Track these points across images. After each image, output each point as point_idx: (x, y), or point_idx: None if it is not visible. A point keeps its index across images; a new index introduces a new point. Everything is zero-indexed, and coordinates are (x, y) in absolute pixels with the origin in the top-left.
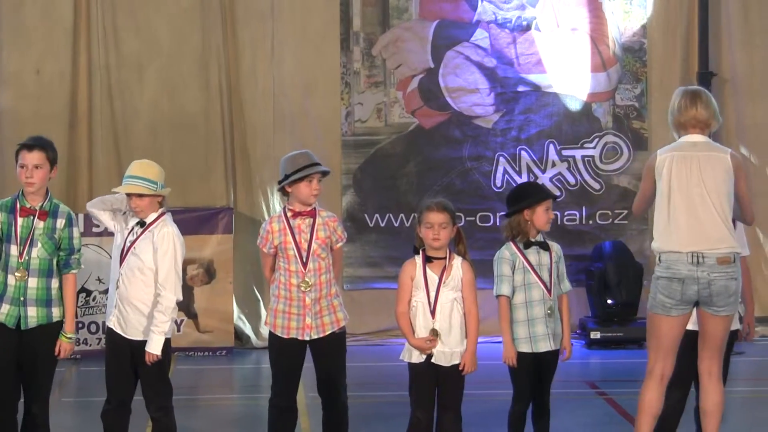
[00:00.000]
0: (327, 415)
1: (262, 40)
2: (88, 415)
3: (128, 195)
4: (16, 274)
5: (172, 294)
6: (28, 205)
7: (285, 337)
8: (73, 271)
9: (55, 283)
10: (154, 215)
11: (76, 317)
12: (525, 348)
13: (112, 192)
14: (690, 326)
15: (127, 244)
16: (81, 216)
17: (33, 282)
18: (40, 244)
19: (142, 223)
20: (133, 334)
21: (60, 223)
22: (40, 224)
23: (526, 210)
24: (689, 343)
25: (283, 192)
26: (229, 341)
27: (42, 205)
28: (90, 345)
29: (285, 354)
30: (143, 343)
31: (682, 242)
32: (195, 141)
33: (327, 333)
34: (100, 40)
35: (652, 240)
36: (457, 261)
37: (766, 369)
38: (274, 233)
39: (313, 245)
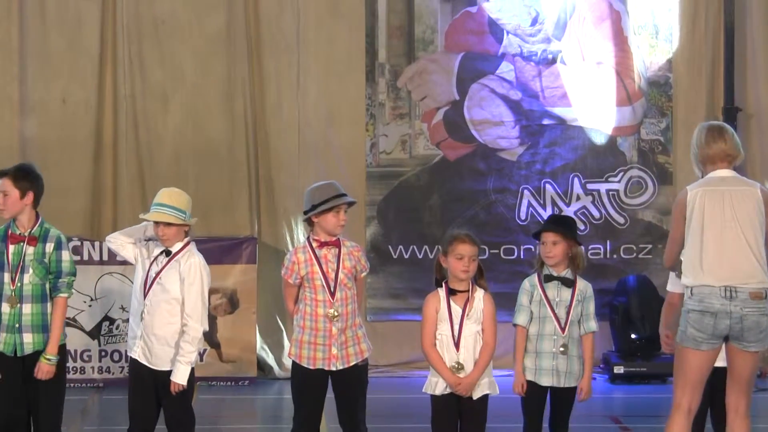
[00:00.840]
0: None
1: (287, 70)
2: None
3: (156, 223)
4: (11, 302)
5: (199, 324)
6: (18, 232)
7: (311, 368)
8: (62, 295)
9: (50, 309)
10: (179, 244)
11: (99, 345)
12: (529, 377)
13: (140, 219)
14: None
15: (152, 274)
16: (105, 245)
17: (27, 308)
18: (31, 270)
19: (167, 252)
20: (158, 365)
21: (49, 247)
22: (30, 250)
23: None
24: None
25: (309, 222)
26: (252, 371)
27: (31, 230)
28: (113, 373)
29: (309, 385)
30: (168, 373)
31: (716, 276)
32: (219, 171)
33: (352, 364)
34: (126, 70)
35: (681, 275)
36: (480, 293)
37: None
38: (300, 264)
39: (340, 275)
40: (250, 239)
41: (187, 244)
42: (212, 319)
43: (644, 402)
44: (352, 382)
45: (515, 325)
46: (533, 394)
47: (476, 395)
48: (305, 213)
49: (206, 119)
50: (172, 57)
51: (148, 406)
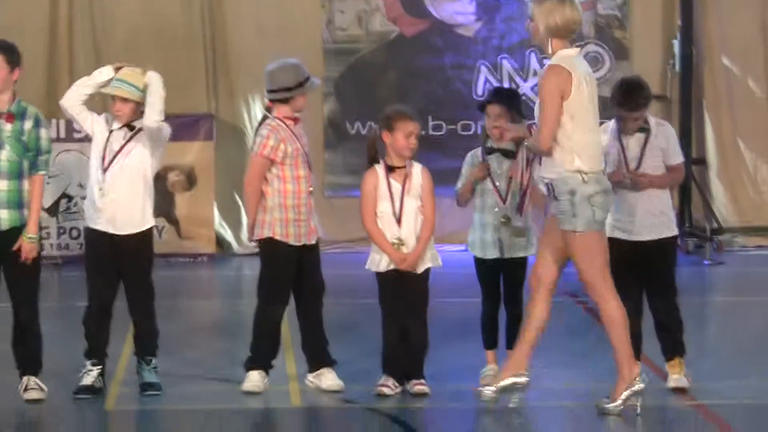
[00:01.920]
0: (308, 318)
1: None
2: (70, 321)
3: (113, 99)
4: None
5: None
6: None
7: (297, 244)
8: (41, 172)
9: (26, 186)
10: (140, 121)
11: (58, 222)
12: (478, 253)
13: (103, 91)
14: (623, 235)
15: (113, 148)
16: (62, 122)
17: (3, 184)
18: (8, 147)
19: (131, 127)
20: (124, 229)
21: (27, 124)
22: (7, 126)
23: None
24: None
25: (281, 101)
26: (211, 248)
27: (9, 108)
28: (71, 250)
29: (292, 263)
30: (133, 236)
31: (602, 160)
32: (176, 49)
33: (319, 234)
34: None
35: (570, 161)
36: (417, 168)
37: (745, 278)
38: (285, 142)
39: (306, 150)
40: (206, 116)
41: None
42: (170, 196)
43: None
44: (317, 254)
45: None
46: (483, 267)
47: (420, 269)
48: (272, 92)
49: None
50: None
51: (109, 280)
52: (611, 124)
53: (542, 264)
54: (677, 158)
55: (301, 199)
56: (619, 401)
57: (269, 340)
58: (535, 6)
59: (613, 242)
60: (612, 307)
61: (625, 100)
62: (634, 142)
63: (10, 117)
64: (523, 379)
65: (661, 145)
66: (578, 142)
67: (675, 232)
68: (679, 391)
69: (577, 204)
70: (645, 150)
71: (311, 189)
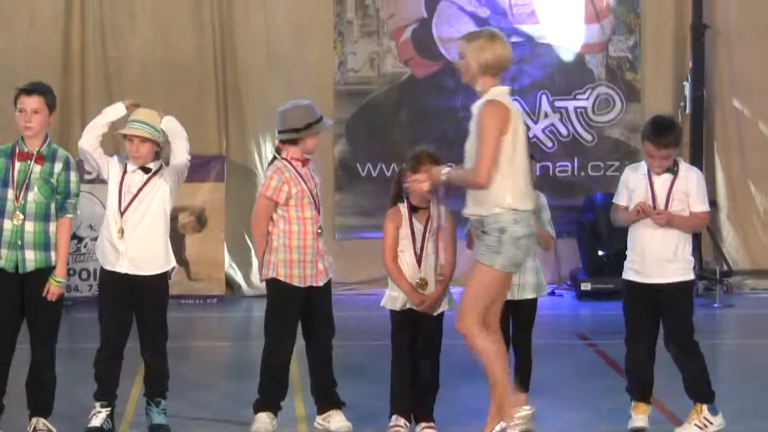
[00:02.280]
0: (317, 360)
1: None
2: (79, 363)
3: (130, 140)
4: (13, 218)
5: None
6: (26, 150)
7: (303, 286)
8: (69, 215)
9: (53, 228)
10: (156, 164)
11: (67, 264)
12: None
13: (119, 132)
14: (638, 278)
15: (130, 189)
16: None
17: (30, 226)
18: (36, 188)
19: (146, 170)
20: (147, 269)
21: (58, 167)
22: (37, 168)
23: None
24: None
25: (290, 142)
26: (220, 289)
27: (40, 149)
28: (81, 292)
29: (297, 304)
30: (153, 277)
31: (532, 200)
32: (187, 86)
33: (330, 276)
34: None
35: (503, 198)
36: (440, 210)
37: (755, 321)
38: (289, 183)
39: (317, 191)
40: (218, 157)
41: (161, 165)
42: (180, 238)
43: (610, 318)
44: (327, 296)
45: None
46: None
47: (436, 312)
48: (281, 132)
49: (174, 32)
50: None
51: (124, 322)
52: (642, 163)
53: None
54: (700, 206)
55: (306, 241)
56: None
57: (277, 381)
58: (465, 43)
59: (627, 283)
60: (480, 343)
61: (654, 136)
62: (661, 183)
63: (41, 158)
64: (527, 412)
65: (686, 189)
66: (511, 180)
67: (688, 277)
68: None
69: (504, 243)
70: (671, 192)
71: (319, 231)
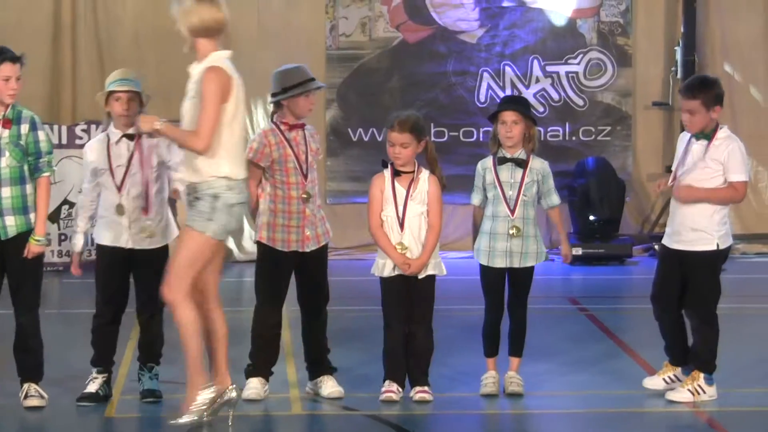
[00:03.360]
0: (310, 326)
1: None
2: (72, 328)
3: (118, 99)
4: None
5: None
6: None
7: (286, 250)
8: (45, 174)
9: (29, 190)
10: (134, 128)
11: (59, 229)
12: (483, 261)
13: (99, 96)
14: (668, 242)
15: (121, 161)
16: (64, 128)
17: (6, 191)
18: (7, 153)
19: (130, 137)
20: (150, 244)
21: (24, 128)
22: (5, 133)
23: (497, 123)
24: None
25: (277, 105)
26: None
27: (5, 114)
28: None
29: (281, 267)
30: (158, 249)
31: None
32: (179, 55)
33: (322, 244)
34: None
35: (219, 166)
36: (425, 174)
37: (746, 286)
38: (272, 146)
39: (309, 156)
40: None
41: None
42: (172, 203)
43: (602, 283)
44: (319, 263)
45: (474, 206)
46: (489, 275)
47: (421, 275)
48: (274, 95)
49: (166, 1)
50: None
51: (121, 290)
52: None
53: (199, 278)
54: (735, 175)
55: (290, 206)
56: (191, 414)
57: (267, 345)
58: (175, 7)
59: (660, 246)
60: (184, 314)
61: (682, 87)
62: (696, 149)
63: (7, 123)
64: (234, 394)
65: (720, 157)
66: (228, 148)
67: (710, 247)
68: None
69: (217, 209)
70: (703, 158)
71: (304, 196)
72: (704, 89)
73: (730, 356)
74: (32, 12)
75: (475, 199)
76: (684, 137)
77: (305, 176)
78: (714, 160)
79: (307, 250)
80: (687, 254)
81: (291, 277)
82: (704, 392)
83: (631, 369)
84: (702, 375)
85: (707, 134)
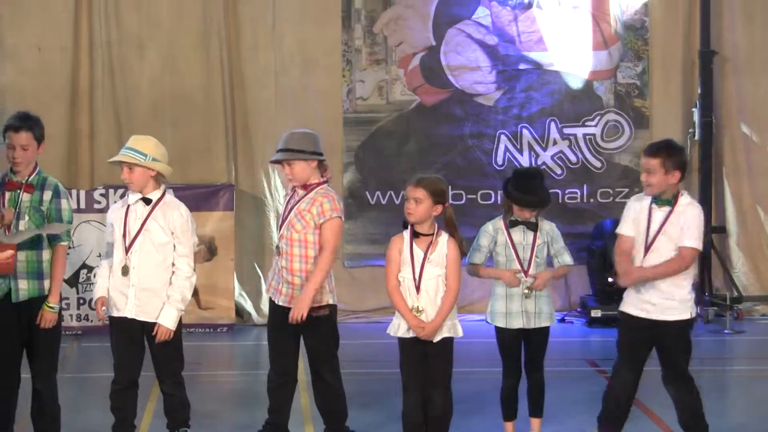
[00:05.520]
0: (314, 394)
1: (262, 15)
2: (91, 391)
3: (122, 168)
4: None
5: (190, 268)
6: (15, 179)
7: (268, 292)
8: (63, 243)
9: (46, 256)
10: (157, 193)
11: (78, 293)
12: (500, 323)
13: (108, 162)
14: (636, 312)
15: (133, 226)
16: (82, 193)
17: (22, 255)
18: (27, 217)
19: (147, 201)
20: (152, 317)
21: (47, 195)
22: (26, 197)
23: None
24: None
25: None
26: (230, 318)
27: (29, 178)
28: (91, 321)
29: (277, 320)
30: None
31: None
32: (196, 118)
33: (291, 306)
34: (102, 16)
35: None
36: (443, 237)
37: (765, 347)
38: (286, 196)
39: (291, 214)
40: (227, 186)
41: (164, 193)
42: None
43: None
44: (310, 330)
45: (472, 264)
46: (506, 338)
47: (436, 338)
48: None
49: (182, 65)
50: (148, 2)
51: (136, 358)
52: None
53: None
54: (688, 241)
55: (276, 253)
56: None
57: (273, 406)
58: None
59: (625, 316)
60: None
61: (646, 145)
62: (660, 215)
63: (30, 187)
64: None
65: (681, 223)
66: None
67: (685, 316)
68: None
69: None
70: (663, 226)
71: (276, 248)
72: (666, 150)
73: (748, 419)
74: (50, 77)
75: (480, 258)
76: (639, 204)
77: (278, 228)
78: (675, 226)
79: (276, 302)
80: (662, 324)
81: (293, 334)
82: None
83: (651, 430)
84: None
85: (668, 200)
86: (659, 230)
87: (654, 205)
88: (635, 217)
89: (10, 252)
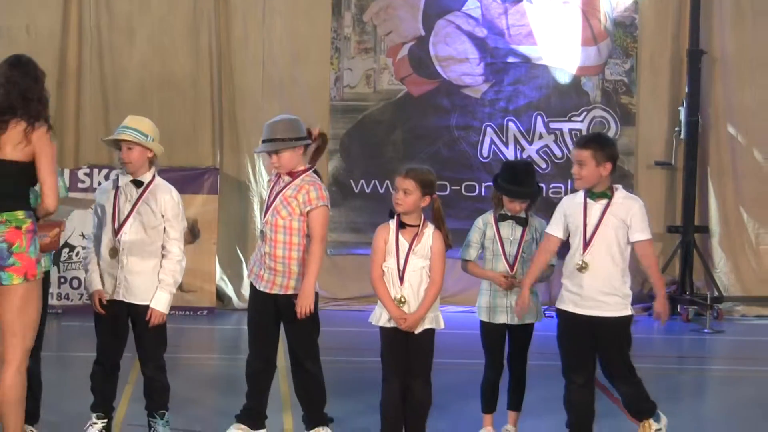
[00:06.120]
0: (294, 381)
1: (253, 4)
2: (70, 371)
3: (119, 148)
4: None
5: (181, 252)
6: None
7: (249, 277)
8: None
9: None
10: (148, 176)
11: (59, 272)
12: (484, 317)
13: (101, 140)
14: (576, 309)
15: (123, 208)
16: (66, 171)
17: None
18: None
19: (137, 183)
20: (139, 299)
21: None
22: None
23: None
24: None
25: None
26: (211, 301)
27: None
28: (72, 300)
29: (259, 306)
30: (146, 306)
31: None
32: (183, 103)
33: (273, 292)
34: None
35: None
36: (429, 229)
37: (744, 348)
38: (269, 181)
39: (277, 200)
40: (211, 170)
41: (154, 176)
42: None
43: None
44: (289, 316)
45: (465, 261)
46: (490, 332)
47: (418, 330)
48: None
49: (171, 52)
50: None
51: (120, 340)
52: (581, 192)
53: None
54: (640, 234)
55: (259, 238)
56: None
57: (251, 391)
58: None
59: (564, 314)
60: None
61: (578, 138)
62: (597, 209)
63: None
64: None
65: (626, 218)
66: None
67: (626, 312)
68: None
69: None
70: (603, 216)
71: (261, 234)
72: (597, 142)
73: (726, 418)
74: (38, 58)
75: (472, 254)
76: (572, 202)
77: (263, 214)
78: (616, 218)
79: (258, 287)
80: (602, 321)
81: (273, 320)
82: (660, 429)
83: (628, 426)
84: (650, 420)
85: (605, 193)
86: (598, 224)
87: (589, 200)
88: (569, 214)
89: (57, 230)
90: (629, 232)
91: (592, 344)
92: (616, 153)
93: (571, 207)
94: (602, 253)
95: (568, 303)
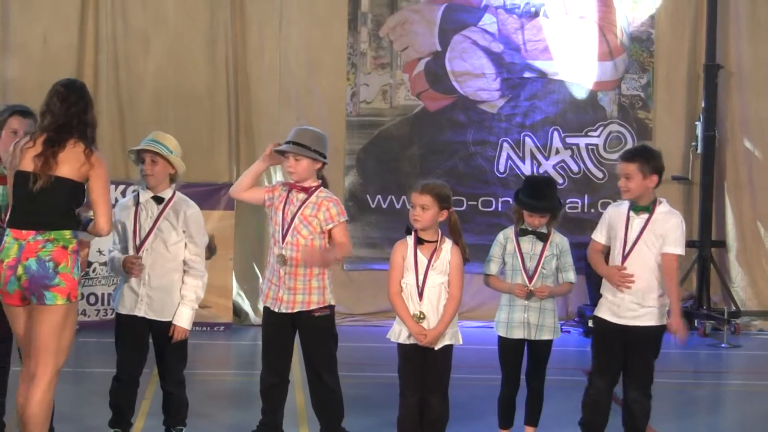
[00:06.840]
0: (311, 396)
1: (269, 17)
2: (85, 386)
3: (143, 161)
4: None
5: (203, 268)
6: (4, 173)
7: (264, 303)
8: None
9: None
10: (169, 192)
11: None
12: (502, 332)
13: (128, 151)
14: (612, 318)
15: (144, 225)
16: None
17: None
18: None
19: (158, 200)
20: (162, 316)
21: None
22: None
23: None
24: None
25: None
26: (228, 317)
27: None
28: (88, 316)
29: (274, 325)
30: (168, 323)
31: None
32: (199, 116)
33: (296, 310)
34: (108, 12)
35: None
36: (447, 245)
37: (761, 363)
38: (275, 192)
39: (296, 220)
40: (228, 185)
41: (174, 192)
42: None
43: None
44: (309, 331)
45: (487, 275)
46: (507, 347)
47: (438, 346)
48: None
49: (187, 63)
50: (155, 0)
51: (140, 356)
52: (626, 202)
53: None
54: (671, 248)
55: (273, 261)
56: None
57: (266, 407)
58: None
59: (600, 322)
60: None
61: (623, 151)
62: (638, 223)
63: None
64: None
65: (661, 231)
66: None
67: (660, 322)
68: None
69: None
70: (642, 233)
71: (280, 257)
72: (643, 155)
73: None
74: (55, 70)
75: (493, 268)
76: (617, 211)
77: (283, 237)
78: (654, 233)
79: (276, 310)
80: (635, 330)
81: (288, 337)
82: None
83: None
84: None
85: (647, 207)
86: (638, 238)
87: (632, 213)
88: (611, 223)
89: (87, 250)
90: (662, 245)
91: (622, 353)
92: (662, 165)
93: (615, 216)
94: (640, 265)
95: (606, 312)
